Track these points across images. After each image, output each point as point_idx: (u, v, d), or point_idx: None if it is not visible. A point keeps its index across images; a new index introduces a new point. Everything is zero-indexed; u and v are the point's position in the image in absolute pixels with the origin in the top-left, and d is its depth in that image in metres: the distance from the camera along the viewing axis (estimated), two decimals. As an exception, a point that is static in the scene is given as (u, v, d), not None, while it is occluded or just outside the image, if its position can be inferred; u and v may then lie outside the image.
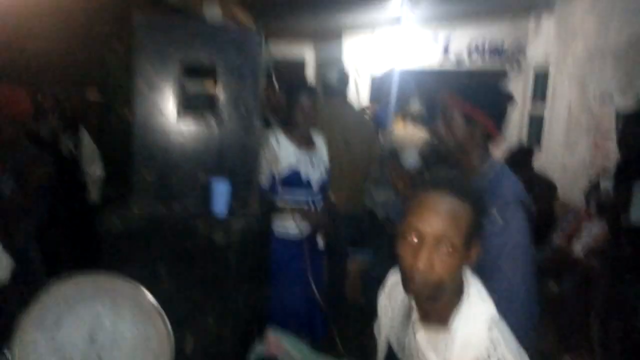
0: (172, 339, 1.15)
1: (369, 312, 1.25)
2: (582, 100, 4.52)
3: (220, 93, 1.80)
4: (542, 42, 5.61)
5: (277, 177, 2.40)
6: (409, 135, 4.62)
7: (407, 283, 0.96)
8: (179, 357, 1.20)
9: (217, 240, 1.68)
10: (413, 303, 1.06)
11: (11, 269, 1.63)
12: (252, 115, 1.85)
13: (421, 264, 0.92)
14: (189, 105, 1.82)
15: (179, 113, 1.78)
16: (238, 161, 1.86)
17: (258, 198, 1.92)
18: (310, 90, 2.49)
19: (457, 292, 1.00)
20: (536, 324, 1.43)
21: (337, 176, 2.83)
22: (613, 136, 3.55)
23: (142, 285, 1.16)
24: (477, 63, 6.21)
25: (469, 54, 6.17)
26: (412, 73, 6.08)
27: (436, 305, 0.99)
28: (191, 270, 1.72)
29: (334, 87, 3.26)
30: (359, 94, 6.58)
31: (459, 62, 6.24)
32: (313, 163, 2.48)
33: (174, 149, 1.80)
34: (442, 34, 6.22)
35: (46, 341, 1.10)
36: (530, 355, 0.97)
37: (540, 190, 3.77)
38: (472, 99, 1.51)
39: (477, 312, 0.98)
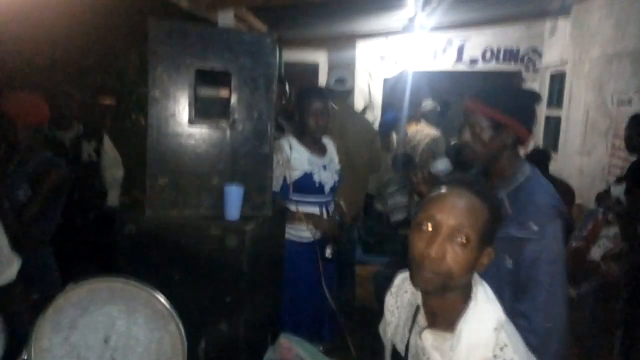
0: (185, 342, 1.15)
1: (381, 317, 1.24)
2: (600, 103, 4.46)
3: (234, 99, 1.82)
4: (558, 45, 5.56)
5: (289, 181, 2.40)
6: (421, 134, 4.58)
7: (417, 272, 0.96)
8: (192, 360, 1.21)
9: (230, 244, 1.69)
10: (419, 302, 1.06)
11: (19, 269, 1.63)
12: (265, 120, 1.86)
13: (433, 251, 0.93)
14: (202, 110, 1.83)
15: (192, 119, 1.79)
16: (251, 166, 1.87)
17: (271, 202, 1.93)
18: (323, 96, 2.50)
19: (464, 295, 0.99)
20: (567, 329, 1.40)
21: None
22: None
23: (156, 289, 1.17)
24: (491, 65, 6.16)
25: (483, 57, 6.14)
26: (426, 74, 6.06)
27: (442, 304, 0.99)
28: (204, 274, 1.73)
29: (332, 90, 3.30)
30: (371, 97, 6.57)
31: (472, 65, 6.20)
32: (325, 167, 2.49)
33: (188, 154, 1.81)
34: (456, 40, 6.20)
35: (61, 344, 1.12)
36: None
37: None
38: (496, 102, 1.46)
39: (484, 314, 0.97)
